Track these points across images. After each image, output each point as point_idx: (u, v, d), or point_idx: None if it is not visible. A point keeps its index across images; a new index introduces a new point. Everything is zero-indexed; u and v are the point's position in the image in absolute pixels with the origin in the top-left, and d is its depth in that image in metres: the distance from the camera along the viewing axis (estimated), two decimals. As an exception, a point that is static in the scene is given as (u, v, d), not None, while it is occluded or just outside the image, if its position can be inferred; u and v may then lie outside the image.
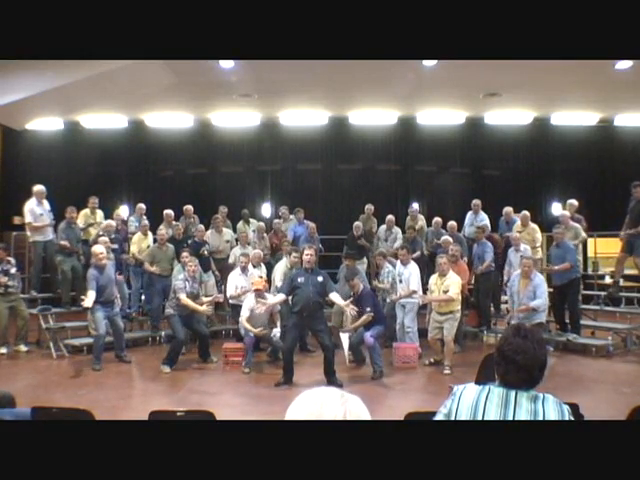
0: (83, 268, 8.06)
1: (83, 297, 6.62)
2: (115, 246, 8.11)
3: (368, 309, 6.33)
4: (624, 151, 11.99)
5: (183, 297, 6.73)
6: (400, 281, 7.23)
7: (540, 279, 6.81)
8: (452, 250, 7.54)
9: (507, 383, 1.81)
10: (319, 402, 1.07)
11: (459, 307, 6.75)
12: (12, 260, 7.63)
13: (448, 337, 6.57)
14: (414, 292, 7.07)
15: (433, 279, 6.82)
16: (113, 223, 8.44)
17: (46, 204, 8.26)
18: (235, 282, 7.45)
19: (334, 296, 6.06)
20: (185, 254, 7.41)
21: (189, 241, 8.41)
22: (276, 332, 6.78)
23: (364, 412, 1.10)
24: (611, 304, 8.62)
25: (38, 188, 8.15)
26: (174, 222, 8.97)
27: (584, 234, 8.32)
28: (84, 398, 5.35)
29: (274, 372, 6.50)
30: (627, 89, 9.83)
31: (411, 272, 7.14)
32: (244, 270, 7.44)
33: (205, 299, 7.15)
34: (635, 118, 12.03)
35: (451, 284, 6.56)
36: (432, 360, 6.98)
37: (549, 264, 7.86)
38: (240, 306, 6.97)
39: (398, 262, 7.41)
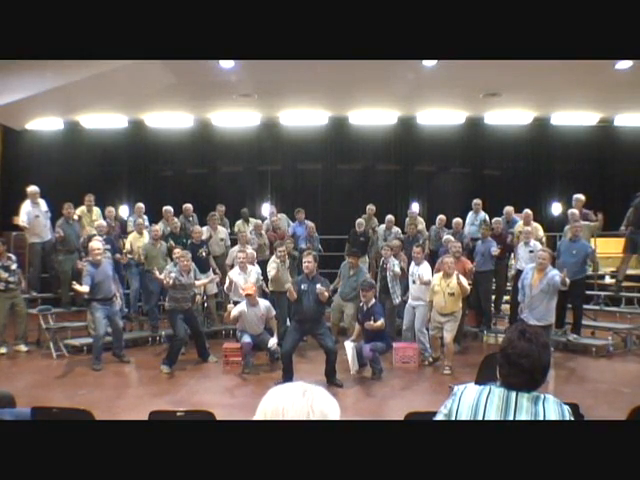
0: None
1: (75, 282, 6.67)
2: (107, 246, 8.05)
3: (382, 319, 6.27)
4: (624, 151, 11.99)
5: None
6: (413, 282, 7.16)
7: (555, 273, 6.41)
8: (455, 247, 7.43)
9: (509, 385, 1.81)
10: (280, 402, 1.07)
11: (461, 307, 6.74)
12: (12, 256, 7.58)
13: (448, 338, 6.56)
14: (429, 282, 6.95)
15: (436, 279, 6.76)
16: (104, 223, 8.39)
17: (42, 204, 8.24)
18: (233, 279, 7.36)
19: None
20: (177, 250, 7.42)
21: (185, 241, 8.43)
22: (273, 342, 6.65)
23: (330, 407, 1.09)
24: (611, 304, 8.62)
25: (31, 189, 8.13)
26: (174, 219, 8.98)
27: (592, 224, 8.32)
28: (84, 398, 5.35)
29: (274, 373, 6.50)
30: (627, 89, 9.82)
31: (425, 269, 7.12)
32: (243, 268, 7.38)
33: (199, 282, 7.16)
34: (635, 118, 12.01)
35: (461, 282, 6.54)
36: (430, 359, 6.98)
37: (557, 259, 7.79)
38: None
39: (412, 263, 7.35)
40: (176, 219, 8.97)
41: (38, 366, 6.86)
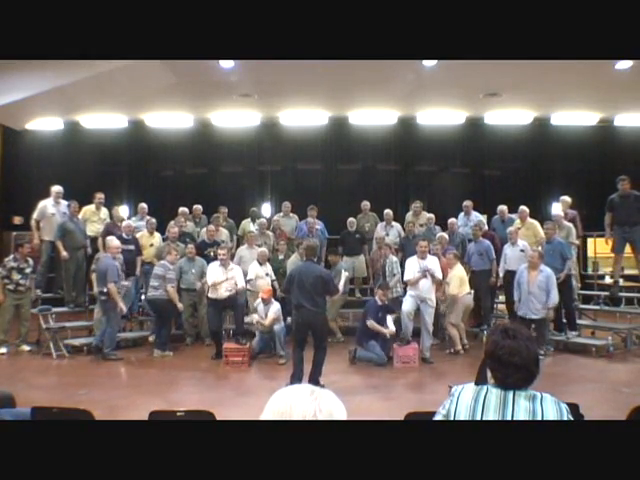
0: (87, 264, 8.28)
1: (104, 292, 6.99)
2: (131, 247, 8.03)
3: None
4: (624, 151, 11.97)
5: (170, 287, 7.19)
6: (425, 275, 7.10)
7: (548, 272, 6.90)
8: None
9: (508, 386, 1.81)
10: (289, 400, 1.07)
11: (465, 292, 7.29)
12: (30, 261, 7.68)
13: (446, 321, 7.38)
14: (442, 281, 7.29)
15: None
16: (132, 224, 8.42)
17: (63, 205, 8.28)
18: (214, 274, 7.30)
19: None
20: (190, 246, 7.87)
21: (189, 240, 8.46)
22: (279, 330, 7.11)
23: (337, 408, 1.10)
24: (611, 304, 8.61)
25: (56, 188, 8.21)
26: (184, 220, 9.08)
27: (576, 241, 8.36)
28: (84, 398, 5.35)
29: (275, 372, 6.50)
30: (627, 89, 9.82)
31: (434, 264, 7.19)
32: (223, 263, 7.32)
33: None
34: (635, 118, 12.01)
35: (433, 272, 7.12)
36: (452, 350, 7.44)
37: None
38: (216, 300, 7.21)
39: (415, 258, 7.24)
40: (187, 221, 9.08)
41: (38, 366, 6.86)
